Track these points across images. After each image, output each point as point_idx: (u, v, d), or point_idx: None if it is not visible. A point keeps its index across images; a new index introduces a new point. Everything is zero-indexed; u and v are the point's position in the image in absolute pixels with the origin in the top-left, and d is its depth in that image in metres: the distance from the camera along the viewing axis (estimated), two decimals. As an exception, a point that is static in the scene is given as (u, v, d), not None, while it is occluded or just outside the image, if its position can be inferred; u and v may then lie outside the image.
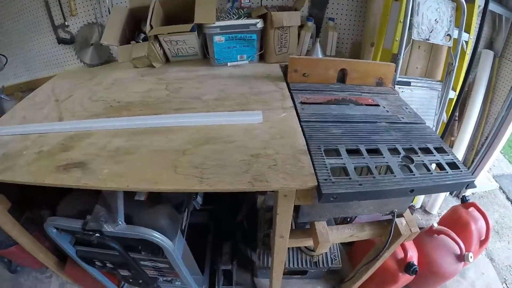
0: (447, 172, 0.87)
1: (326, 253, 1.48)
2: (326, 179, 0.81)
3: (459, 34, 1.36)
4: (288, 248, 1.50)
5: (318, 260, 1.46)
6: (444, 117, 1.53)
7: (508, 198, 2.28)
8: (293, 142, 0.94)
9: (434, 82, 1.49)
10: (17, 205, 1.23)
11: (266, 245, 1.49)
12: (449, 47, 1.40)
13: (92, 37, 1.51)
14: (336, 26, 1.56)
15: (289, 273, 1.62)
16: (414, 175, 0.84)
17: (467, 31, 1.40)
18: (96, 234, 1.00)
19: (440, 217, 1.80)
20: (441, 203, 1.98)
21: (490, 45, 1.83)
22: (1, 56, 1.57)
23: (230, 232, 1.74)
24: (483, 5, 1.44)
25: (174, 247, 1.08)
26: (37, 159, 0.92)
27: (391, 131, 1.03)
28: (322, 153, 0.90)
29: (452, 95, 1.50)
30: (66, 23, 1.52)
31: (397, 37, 1.34)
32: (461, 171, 0.88)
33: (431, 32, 1.34)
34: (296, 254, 1.48)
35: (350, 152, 0.91)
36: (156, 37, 1.35)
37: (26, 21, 1.57)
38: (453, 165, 0.89)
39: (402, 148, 0.94)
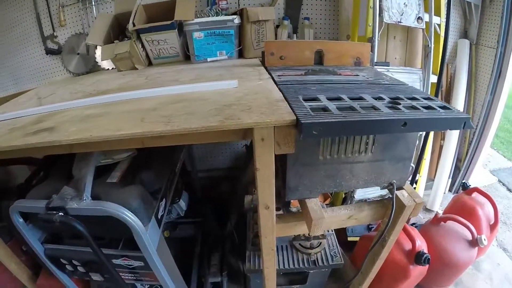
0: (439, 111, 0.75)
1: (324, 249, 1.28)
2: (306, 114, 0.69)
3: (430, 17, 1.36)
4: (281, 246, 1.31)
5: (317, 259, 1.24)
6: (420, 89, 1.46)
7: (509, 190, 2.14)
8: (269, 96, 0.85)
9: (414, 69, 1.46)
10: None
11: (256, 245, 1.29)
12: (423, 30, 1.38)
13: (79, 46, 1.51)
14: (312, 24, 1.57)
15: (288, 283, 1.38)
16: (403, 111, 0.72)
17: (437, 14, 1.40)
18: (60, 213, 0.86)
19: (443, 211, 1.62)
20: (442, 200, 1.80)
21: (464, 35, 1.83)
22: (-12, 66, 1.56)
23: (218, 244, 1.54)
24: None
25: (146, 232, 0.92)
26: (8, 133, 0.84)
27: (375, 88, 0.95)
28: (300, 100, 0.80)
29: (434, 79, 1.45)
30: (54, 34, 1.53)
31: (370, 22, 1.33)
32: (453, 110, 0.76)
33: (401, 15, 1.34)
34: (291, 253, 1.27)
35: (332, 100, 0.81)
36: (138, 37, 1.34)
37: (18, 32, 1.58)
38: (444, 107, 0.77)
39: (388, 97, 0.83)
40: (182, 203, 1.31)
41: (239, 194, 1.49)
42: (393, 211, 0.97)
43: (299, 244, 1.26)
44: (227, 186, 1.70)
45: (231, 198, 1.60)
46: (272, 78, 1.04)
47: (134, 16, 1.30)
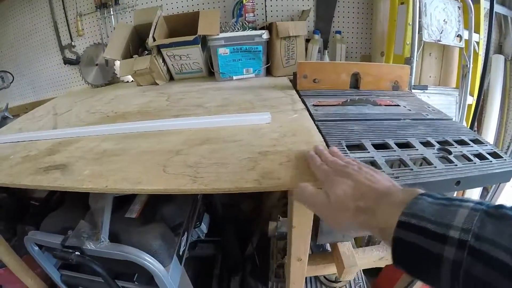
0: (491, 161, 0.65)
1: (350, 283, 1.17)
2: (353, 173, 0.58)
3: (469, 35, 1.19)
4: (305, 278, 1.20)
5: (341, 292, 1.14)
6: (464, 125, 1.30)
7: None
8: (308, 139, 0.72)
9: (450, 89, 1.29)
10: (8, 224, 1.12)
11: (279, 277, 1.19)
12: (461, 49, 1.22)
13: (98, 57, 1.40)
14: (344, 38, 1.40)
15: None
16: (456, 165, 0.63)
17: (477, 31, 1.22)
18: (76, 252, 0.79)
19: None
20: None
21: (499, 50, 1.65)
22: (7, 73, 1.46)
23: (239, 266, 1.44)
24: (488, 7, 1.29)
25: (168, 274, 0.83)
26: (20, 162, 0.77)
27: (419, 126, 0.82)
28: (344, 148, 0.68)
29: (470, 100, 1.28)
30: (72, 43, 1.42)
31: (408, 41, 1.16)
32: (505, 160, 0.66)
33: (441, 33, 1.17)
34: (315, 286, 1.16)
35: (377, 147, 0.70)
36: (159, 51, 1.21)
37: (35, 41, 1.49)
38: (494, 155, 0.68)
39: (435, 141, 0.72)
40: (203, 226, 1.21)
41: (262, 217, 1.38)
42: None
43: (324, 277, 1.15)
44: (249, 205, 1.59)
45: (253, 218, 1.49)
46: (307, 108, 0.91)
47: (154, 29, 1.16)
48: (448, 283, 0.27)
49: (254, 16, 1.28)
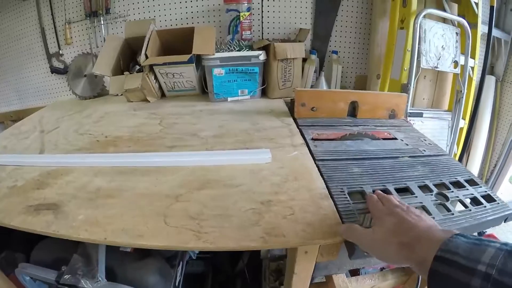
0: (485, 207, 0.68)
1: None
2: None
3: (466, 60, 1.21)
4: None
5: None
6: (455, 149, 1.33)
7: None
8: (310, 185, 0.72)
9: (443, 112, 1.32)
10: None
11: (270, 300, 1.20)
12: (456, 74, 1.23)
13: (86, 68, 1.32)
14: (340, 59, 1.39)
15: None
16: (453, 214, 0.65)
17: (472, 56, 1.24)
18: None
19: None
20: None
21: (490, 71, 1.69)
22: (-9, 79, 1.38)
23: (229, 282, 1.44)
24: (484, 31, 1.31)
25: (165, 311, 0.82)
26: (8, 194, 0.72)
27: (417, 166, 0.83)
28: (346, 197, 0.68)
29: (462, 124, 1.31)
30: (60, 52, 1.35)
31: (406, 66, 1.17)
32: (498, 203, 0.70)
33: (439, 59, 1.18)
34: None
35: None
36: (151, 68, 1.16)
37: (21, 48, 1.41)
38: (488, 198, 0.71)
39: (433, 184, 0.74)
40: (195, 247, 1.19)
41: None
42: (419, 284, 0.90)
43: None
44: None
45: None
46: (307, 143, 0.90)
47: (147, 45, 1.10)
48: None
49: (250, 33, 1.24)
